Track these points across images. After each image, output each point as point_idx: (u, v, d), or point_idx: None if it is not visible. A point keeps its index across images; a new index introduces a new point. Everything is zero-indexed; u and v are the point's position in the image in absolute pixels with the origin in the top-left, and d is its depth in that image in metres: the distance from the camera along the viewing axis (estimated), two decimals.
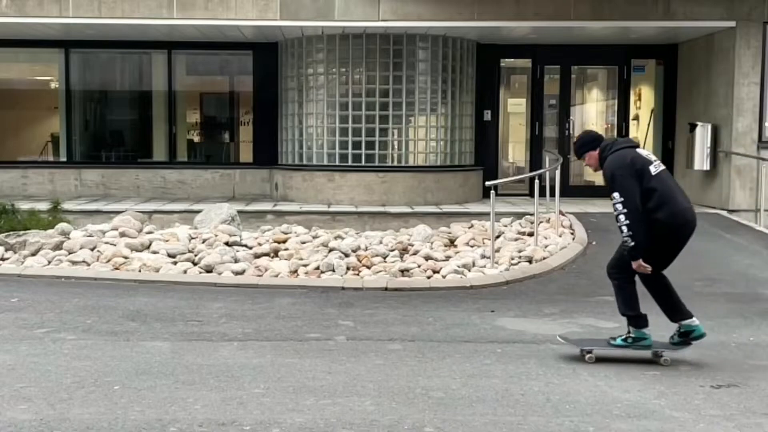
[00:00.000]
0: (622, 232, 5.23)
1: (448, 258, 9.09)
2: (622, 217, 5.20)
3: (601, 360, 5.51)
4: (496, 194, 9.07)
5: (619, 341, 5.51)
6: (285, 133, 13.63)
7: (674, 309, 5.48)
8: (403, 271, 8.45)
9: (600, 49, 14.09)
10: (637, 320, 5.47)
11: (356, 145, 12.94)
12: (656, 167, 5.37)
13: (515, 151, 15.05)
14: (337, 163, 13.00)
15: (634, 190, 5.22)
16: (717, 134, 12.62)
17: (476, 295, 7.63)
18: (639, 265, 5.28)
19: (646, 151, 5.57)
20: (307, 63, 13.24)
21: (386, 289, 7.89)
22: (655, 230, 5.25)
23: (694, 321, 5.45)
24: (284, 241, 9.63)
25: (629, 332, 5.50)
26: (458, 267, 8.51)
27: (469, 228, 10.70)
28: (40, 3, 12.02)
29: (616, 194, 5.24)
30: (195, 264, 8.69)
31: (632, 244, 5.20)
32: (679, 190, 5.46)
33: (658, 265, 5.43)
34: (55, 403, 4.50)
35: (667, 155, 14.33)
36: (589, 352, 5.49)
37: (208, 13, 12.07)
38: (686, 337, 5.47)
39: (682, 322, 5.46)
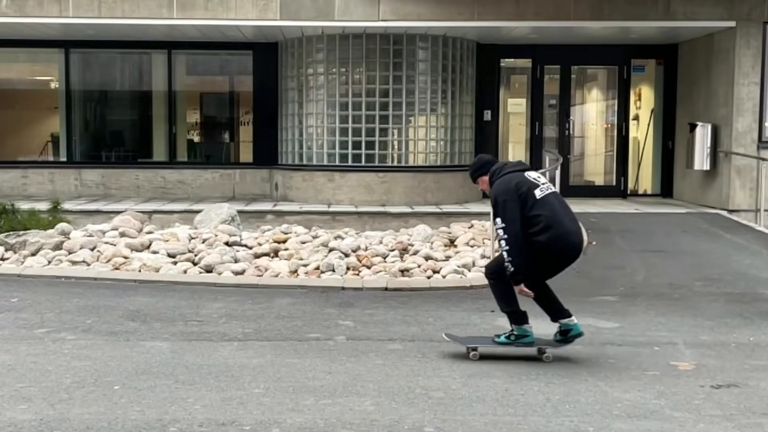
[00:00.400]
0: (503, 257, 5.29)
1: (448, 258, 9.09)
2: (503, 243, 5.25)
3: (600, 360, 5.51)
4: None
5: (503, 338, 5.55)
6: (285, 133, 13.63)
7: (553, 309, 5.55)
8: (403, 271, 8.45)
9: (600, 49, 14.10)
10: (517, 316, 5.50)
11: (356, 145, 12.94)
12: (542, 191, 5.38)
13: (515, 151, 15.04)
14: (337, 163, 13.00)
15: (516, 215, 5.27)
16: (717, 134, 12.62)
17: (476, 295, 7.62)
18: (521, 290, 5.38)
19: (536, 174, 5.57)
20: (307, 63, 13.24)
21: (386, 289, 7.89)
22: (537, 252, 5.30)
23: (573, 320, 5.51)
24: (284, 241, 9.63)
25: (512, 330, 5.53)
26: (458, 267, 8.51)
27: (469, 228, 10.70)
28: (40, 3, 12.02)
29: (498, 219, 5.31)
30: (195, 264, 8.69)
31: (512, 269, 5.25)
32: (566, 213, 5.45)
33: (542, 277, 5.53)
34: (55, 403, 4.50)
35: (667, 155, 14.35)
36: (474, 349, 5.53)
37: (208, 13, 12.07)
38: (565, 336, 5.52)
39: (561, 321, 5.52)
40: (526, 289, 5.39)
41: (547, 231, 5.27)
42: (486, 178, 5.59)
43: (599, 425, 4.28)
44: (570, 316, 5.53)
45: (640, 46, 14.04)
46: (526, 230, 5.27)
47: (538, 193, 5.35)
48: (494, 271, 5.55)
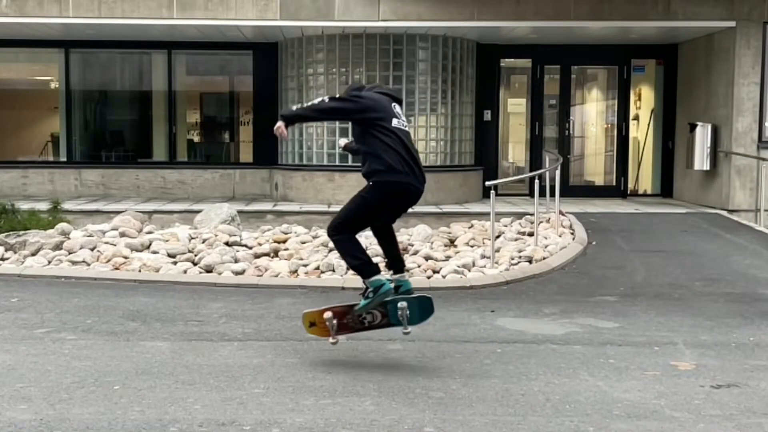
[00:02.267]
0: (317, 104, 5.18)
1: (448, 258, 9.09)
2: (323, 105, 5.14)
3: (600, 360, 5.51)
4: (496, 194, 9.07)
5: (363, 302, 5.25)
6: None
7: (396, 259, 5.44)
8: None
9: (600, 49, 14.11)
10: (369, 268, 5.23)
11: None
12: (400, 123, 5.23)
13: (515, 151, 15.06)
14: (337, 163, 13.00)
15: (346, 109, 5.19)
16: (717, 134, 12.63)
17: (476, 295, 7.62)
18: (279, 127, 5.16)
19: (399, 110, 5.37)
20: (307, 63, 13.25)
21: None
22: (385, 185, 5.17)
23: (404, 276, 5.39)
24: (284, 241, 9.63)
25: (366, 287, 5.23)
26: (458, 267, 8.51)
27: (469, 228, 10.71)
28: (40, 3, 12.02)
29: (332, 102, 5.18)
30: (195, 264, 8.69)
31: (297, 114, 5.33)
32: (408, 157, 5.22)
33: (388, 219, 5.46)
34: (55, 403, 4.50)
35: (667, 155, 14.36)
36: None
37: (208, 13, 12.08)
38: (396, 289, 5.34)
39: (396, 276, 5.36)
40: (285, 131, 5.16)
41: (394, 167, 5.11)
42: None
43: (599, 425, 4.28)
44: (402, 271, 5.40)
45: (640, 46, 14.05)
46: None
47: (395, 123, 5.19)
48: (335, 226, 5.32)
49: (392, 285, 5.29)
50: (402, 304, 5.25)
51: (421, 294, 5.52)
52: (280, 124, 5.15)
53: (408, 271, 5.37)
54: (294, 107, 5.18)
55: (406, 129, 5.30)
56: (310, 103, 5.25)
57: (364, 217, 5.33)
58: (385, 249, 5.56)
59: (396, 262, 5.48)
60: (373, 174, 5.19)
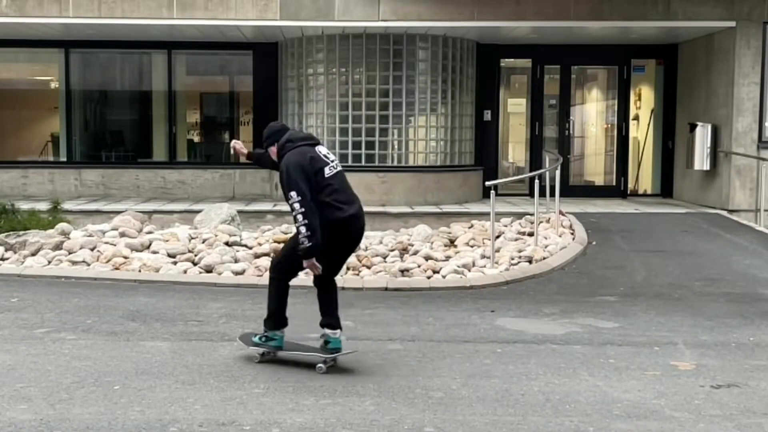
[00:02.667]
0: (300, 232, 5.02)
1: (448, 258, 9.09)
2: (300, 217, 5.00)
3: (600, 360, 5.51)
4: (496, 194, 9.07)
5: (257, 339, 5.42)
6: None
7: (329, 312, 5.37)
8: (403, 271, 8.45)
9: (600, 49, 14.10)
10: (279, 320, 5.39)
11: (356, 145, 12.95)
12: (332, 169, 5.24)
13: (515, 151, 15.05)
14: None
15: (309, 188, 5.07)
16: (717, 134, 12.63)
17: (476, 295, 7.63)
18: (312, 264, 5.12)
19: (326, 150, 5.38)
20: (307, 63, 13.24)
21: (386, 289, 7.89)
22: (329, 230, 5.11)
23: (337, 333, 5.31)
24: (284, 241, 9.61)
25: (265, 331, 5.40)
26: (458, 267, 8.51)
27: (469, 228, 10.70)
28: (40, 3, 12.02)
29: (293, 193, 5.03)
30: (195, 264, 8.69)
31: (309, 244, 5.02)
32: (350, 194, 5.33)
33: (330, 267, 5.35)
34: (55, 403, 4.50)
35: (667, 155, 14.36)
36: (269, 353, 5.38)
37: (208, 13, 12.08)
38: (325, 344, 5.32)
39: (326, 329, 5.32)
40: (317, 263, 5.11)
41: (338, 211, 5.13)
42: (274, 148, 5.36)
43: (599, 425, 4.28)
44: (337, 329, 5.33)
45: (640, 46, 14.05)
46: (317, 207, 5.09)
47: (327, 172, 5.19)
48: (281, 267, 5.38)
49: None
50: (320, 366, 5.22)
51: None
52: (312, 261, 5.11)
53: (341, 329, 5.38)
54: (307, 243, 4.99)
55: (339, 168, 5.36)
56: (304, 234, 5.02)
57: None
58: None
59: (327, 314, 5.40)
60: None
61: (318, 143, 5.41)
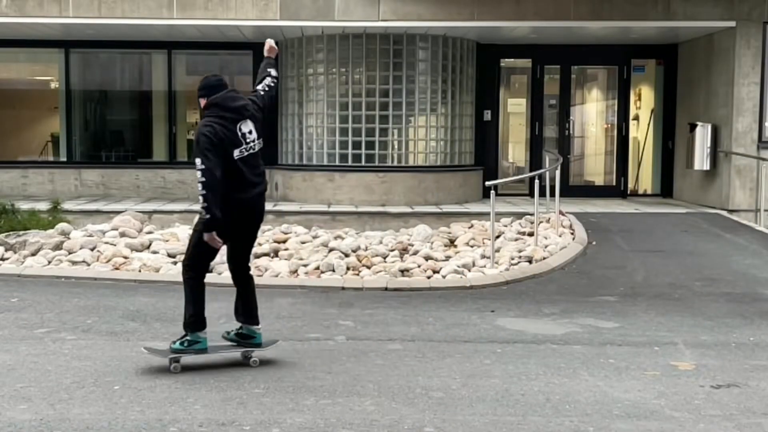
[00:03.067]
0: (200, 202, 4.97)
1: (448, 258, 9.09)
2: (200, 187, 4.93)
3: (600, 360, 5.50)
4: (496, 194, 9.07)
5: (177, 345, 5.23)
6: (285, 133, 13.64)
7: (247, 309, 5.39)
8: (403, 271, 8.45)
9: (600, 49, 14.10)
10: (198, 322, 5.25)
11: (356, 145, 12.94)
12: (243, 152, 5.12)
13: (515, 151, 15.05)
14: (337, 163, 13.00)
15: (218, 161, 4.98)
16: (717, 134, 12.63)
17: (476, 295, 7.63)
18: (212, 237, 5.03)
19: (251, 126, 5.24)
20: (307, 63, 13.24)
21: (386, 289, 7.89)
22: (230, 210, 5.06)
23: (259, 329, 5.38)
24: (284, 241, 9.63)
25: (186, 334, 5.24)
26: (458, 267, 8.51)
27: (469, 228, 10.70)
28: (40, 3, 12.02)
29: (198, 161, 4.96)
30: None
31: (207, 216, 4.95)
32: (256, 176, 5.21)
33: (237, 252, 5.36)
34: (55, 403, 4.50)
35: (667, 155, 14.35)
36: (176, 361, 5.18)
37: (208, 13, 12.07)
38: (244, 339, 5.35)
39: (248, 326, 5.37)
40: (217, 238, 5.04)
41: (240, 192, 5.09)
42: (204, 101, 5.25)
43: (599, 425, 4.28)
44: (258, 324, 5.38)
45: (640, 46, 14.05)
46: (225, 182, 5.02)
47: (237, 154, 5.10)
48: (192, 263, 5.27)
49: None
50: (255, 361, 5.29)
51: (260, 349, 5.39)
52: (213, 234, 5.04)
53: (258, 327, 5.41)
54: (206, 215, 4.94)
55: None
56: (203, 204, 4.98)
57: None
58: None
59: (246, 311, 5.42)
60: None
61: (243, 119, 5.23)
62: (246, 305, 5.43)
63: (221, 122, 5.13)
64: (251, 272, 5.57)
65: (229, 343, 5.45)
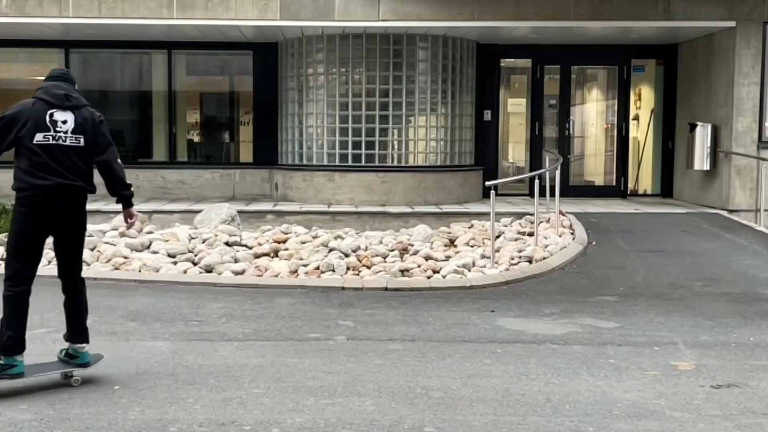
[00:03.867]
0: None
1: (448, 258, 9.09)
2: None
3: (600, 360, 5.50)
4: (496, 194, 9.07)
5: None
6: (285, 133, 13.64)
7: (74, 328, 5.03)
8: (403, 271, 8.45)
9: (600, 49, 14.10)
10: (16, 344, 4.71)
11: (356, 145, 12.95)
12: (49, 138, 4.73)
13: (515, 151, 15.05)
14: (337, 163, 13.00)
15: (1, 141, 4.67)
16: (717, 134, 12.63)
17: (476, 295, 7.62)
18: None
19: (69, 118, 4.83)
20: (307, 63, 13.25)
21: (386, 289, 7.89)
22: (19, 200, 4.76)
23: (84, 347, 4.98)
24: (284, 241, 9.64)
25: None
26: (458, 267, 8.51)
27: (469, 228, 10.71)
28: (40, 3, 12.02)
29: None
30: (195, 264, 8.69)
31: None
32: (52, 170, 4.77)
33: (58, 253, 5.09)
34: (55, 403, 4.50)
35: (667, 155, 14.36)
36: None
37: (208, 13, 12.07)
38: (71, 359, 4.94)
39: (74, 344, 4.97)
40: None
41: (26, 179, 4.74)
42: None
43: (599, 425, 4.28)
44: (86, 342, 4.99)
45: (640, 46, 14.05)
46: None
47: (40, 138, 4.71)
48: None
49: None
50: (77, 380, 4.85)
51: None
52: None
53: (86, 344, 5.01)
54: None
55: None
56: None
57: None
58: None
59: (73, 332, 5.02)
60: None
61: (61, 108, 4.82)
62: (71, 319, 5.05)
63: (38, 105, 4.81)
64: (82, 285, 5.22)
65: (51, 362, 5.01)
